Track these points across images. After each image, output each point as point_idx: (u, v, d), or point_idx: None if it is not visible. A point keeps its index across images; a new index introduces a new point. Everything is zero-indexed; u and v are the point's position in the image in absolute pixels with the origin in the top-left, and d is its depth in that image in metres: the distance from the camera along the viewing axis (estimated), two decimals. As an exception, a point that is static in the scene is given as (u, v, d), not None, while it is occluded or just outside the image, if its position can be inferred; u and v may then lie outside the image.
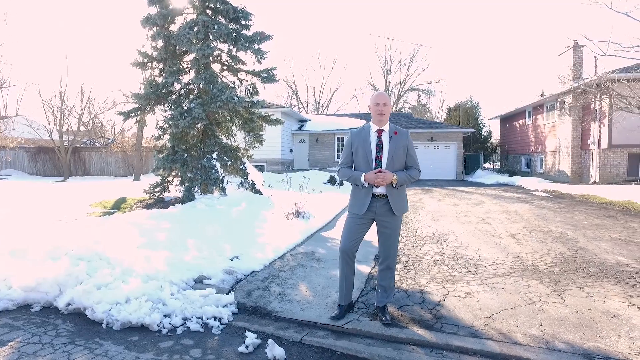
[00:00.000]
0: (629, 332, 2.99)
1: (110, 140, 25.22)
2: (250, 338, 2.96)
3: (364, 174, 3.16)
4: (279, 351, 2.76)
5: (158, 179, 10.30)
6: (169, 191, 10.36)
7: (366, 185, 3.18)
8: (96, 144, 25.06)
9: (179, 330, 3.22)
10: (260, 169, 20.66)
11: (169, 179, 10.33)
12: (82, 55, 47.23)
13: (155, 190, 10.13)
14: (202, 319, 3.36)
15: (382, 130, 3.25)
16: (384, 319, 3.21)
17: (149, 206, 9.38)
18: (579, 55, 16.90)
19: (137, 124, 13.90)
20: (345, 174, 3.30)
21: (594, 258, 5.04)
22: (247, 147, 10.98)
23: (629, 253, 5.26)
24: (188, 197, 9.26)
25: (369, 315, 3.36)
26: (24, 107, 39.02)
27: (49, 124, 20.93)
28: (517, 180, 18.25)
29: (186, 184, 9.47)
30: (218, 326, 3.27)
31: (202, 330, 3.22)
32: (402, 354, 2.78)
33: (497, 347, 2.82)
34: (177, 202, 9.30)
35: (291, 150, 23.57)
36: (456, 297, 3.74)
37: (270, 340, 2.83)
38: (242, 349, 2.88)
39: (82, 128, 22.87)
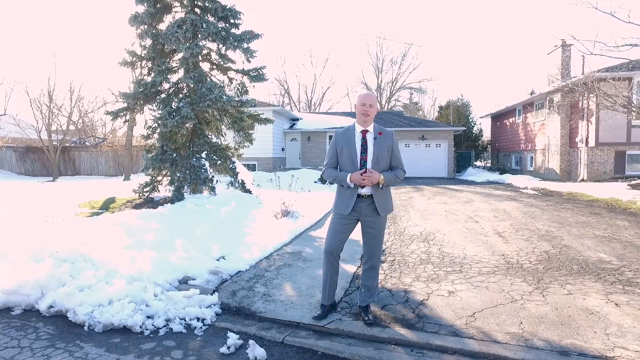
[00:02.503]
0: (605, 328, 3.04)
1: (100, 140, 24.98)
2: (232, 339, 2.96)
3: (349, 174, 3.16)
4: (260, 352, 2.77)
5: (148, 178, 10.23)
6: (159, 191, 10.30)
7: (352, 185, 3.19)
8: (86, 143, 24.80)
9: (162, 332, 3.21)
10: (252, 168, 20.61)
11: (159, 178, 10.26)
12: (71, 53, 46.71)
13: (145, 190, 10.06)
14: (185, 320, 3.35)
15: (367, 130, 3.26)
16: (366, 318, 3.23)
17: (138, 206, 9.31)
18: (566, 54, 17.07)
19: (126, 123, 13.78)
20: (330, 175, 3.31)
21: (577, 255, 5.12)
22: (236, 147, 10.95)
23: (611, 250, 5.34)
24: (177, 197, 9.21)
25: (352, 315, 3.38)
26: (12, 106, 38.53)
27: (37, 123, 20.68)
28: (507, 178, 18.42)
29: (175, 184, 9.42)
30: (201, 327, 3.26)
31: (184, 331, 3.22)
32: (383, 354, 2.80)
33: (477, 345, 2.85)
34: (167, 202, 9.24)
35: (283, 149, 23.53)
36: (440, 296, 3.77)
37: (251, 341, 2.84)
38: (223, 349, 2.88)
39: (71, 127, 22.62)
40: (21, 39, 52.25)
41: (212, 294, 3.78)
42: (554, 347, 2.80)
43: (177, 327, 3.25)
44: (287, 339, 3.04)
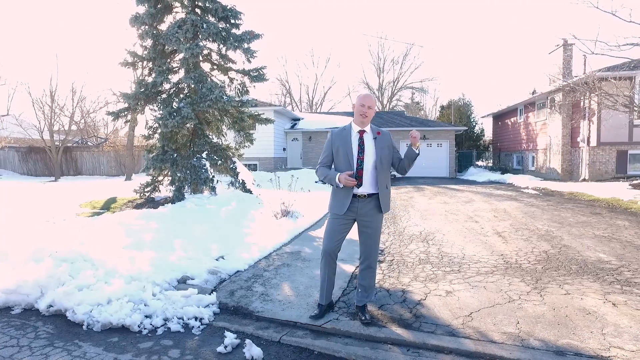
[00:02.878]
0: (601, 328, 3.04)
1: (102, 140, 25.07)
2: (229, 338, 2.97)
3: (338, 174, 3.17)
4: (256, 351, 2.78)
5: (149, 178, 10.27)
6: (160, 191, 10.33)
7: (340, 185, 3.18)
8: (89, 143, 24.88)
9: (160, 331, 3.23)
10: (253, 167, 20.64)
11: (160, 178, 10.30)
12: (73, 53, 46.85)
13: (146, 190, 10.10)
14: (183, 320, 3.37)
15: (364, 131, 3.28)
16: (363, 318, 3.23)
17: (139, 206, 9.35)
18: (568, 53, 17.02)
19: (127, 123, 13.82)
20: (322, 173, 3.32)
21: (576, 255, 5.11)
22: (237, 147, 10.97)
23: (611, 250, 5.33)
24: (178, 197, 9.25)
25: (349, 315, 3.39)
26: (15, 106, 38.68)
27: (40, 123, 20.77)
28: (509, 178, 18.39)
29: (176, 184, 9.45)
30: (199, 326, 3.28)
31: (182, 330, 3.24)
32: (379, 353, 2.81)
33: (473, 345, 2.85)
34: (168, 202, 9.27)
35: (284, 149, 23.55)
36: (437, 296, 3.78)
37: (247, 340, 2.85)
38: (220, 349, 2.89)
39: (73, 127, 22.70)
40: (23, 39, 52.45)
41: (210, 294, 3.79)
42: (550, 347, 2.81)
43: (175, 326, 3.27)
44: (284, 338, 3.05)
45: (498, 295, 3.78)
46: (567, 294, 3.77)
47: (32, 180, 19.27)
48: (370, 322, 3.20)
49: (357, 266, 4.71)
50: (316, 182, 15.80)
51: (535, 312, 3.37)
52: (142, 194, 10.10)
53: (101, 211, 8.82)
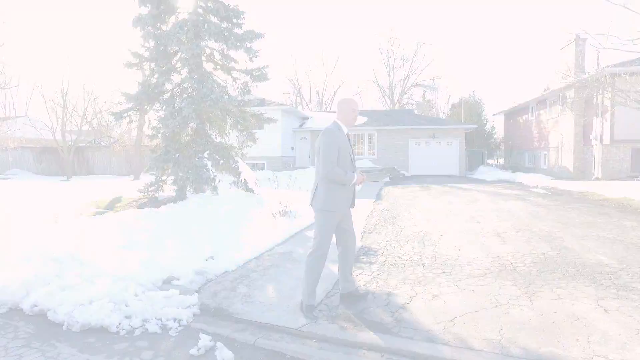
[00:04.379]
0: (588, 335, 2.91)
1: (114, 140, 25.44)
2: (204, 340, 2.94)
3: (355, 174, 3.47)
4: (227, 354, 2.75)
5: (154, 178, 10.35)
6: (163, 190, 10.41)
7: (352, 183, 3.49)
8: (101, 143, 25.29)
9: (137, 332, 3.22)
10: (261, 167, 20.69)
11: (163, 178, 10.37)
12: (84, 54, 47.62)
13: (150, 189, 10.18)
14: (162, 321, 3.35)
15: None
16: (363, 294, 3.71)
17: (142, 205, 9.42)
18: (580, 49, 16.55)
19: (130, 123, 13.98)
20: (339, 174, 3.38)
21: (575, 258, 4.94)
22: (240, 146, 10.98)
23: (612, 252, 5.14)
24: (180, 197, 9.31)
25: (329, 318, 3.33)
26: (33, 107, 39.51)
27: (52, 124, 21.19)
28: (519, 176, 18.01)
29: (178, 184, 9.52)
30: (176, 328, 3.26)
31: (159, 331, 3.22)
32: (352, 358, 2.74)
33: (450, 352, 2.76)
34: (170, 201, 9.34)
35: (292, 148, 23.55)
36: (422, 300, 3.69)
37: (218, 343, 2.82)
38: (193, 351, 2.86)
39: (86, 127, 23.10)
40: (35, 41, 53.51)
41: (192, 295, 3.77)
42: (530, 355, 2.70)
43: (152, 327, 3.25)
44: (258, 341, 3.01)
45: (486, 299, 3.66)
46: (559, 298, 3.64)
47: (45, 179, 19.70)
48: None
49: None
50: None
51: (521, 317, 3.26)
52: (145, 194, 10.19)
53: (104, 210, 8.92)
